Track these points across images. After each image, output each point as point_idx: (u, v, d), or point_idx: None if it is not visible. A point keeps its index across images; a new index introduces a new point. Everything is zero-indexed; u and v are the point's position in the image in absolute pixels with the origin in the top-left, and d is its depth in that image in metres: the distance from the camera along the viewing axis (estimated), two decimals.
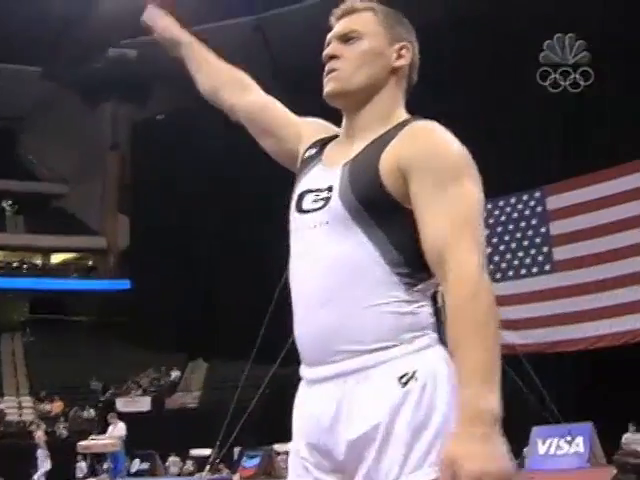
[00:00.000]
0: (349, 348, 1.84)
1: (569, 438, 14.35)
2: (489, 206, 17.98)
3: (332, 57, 2.01)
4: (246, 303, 25.79)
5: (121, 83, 36.08)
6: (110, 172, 40.49)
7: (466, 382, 1.66)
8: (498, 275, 17.99)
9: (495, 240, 18.13)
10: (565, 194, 17.18)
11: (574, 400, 15.84)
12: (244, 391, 18.93)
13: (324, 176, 1.96)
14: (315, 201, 1.94)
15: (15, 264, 40.02)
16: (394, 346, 1.82)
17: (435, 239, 1.79)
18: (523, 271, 17.83)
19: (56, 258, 42.61)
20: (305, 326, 1.92)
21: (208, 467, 18.59)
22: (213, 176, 28.32)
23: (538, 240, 17.70)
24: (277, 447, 16.54)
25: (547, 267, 17.48)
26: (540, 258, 17.65)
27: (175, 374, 31.06)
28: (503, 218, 18.06)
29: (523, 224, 17.83)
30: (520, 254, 17.92)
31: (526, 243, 17.87)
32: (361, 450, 1.82)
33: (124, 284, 37.23)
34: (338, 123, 2.12)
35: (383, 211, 1.85)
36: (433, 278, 1.86)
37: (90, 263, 42.56)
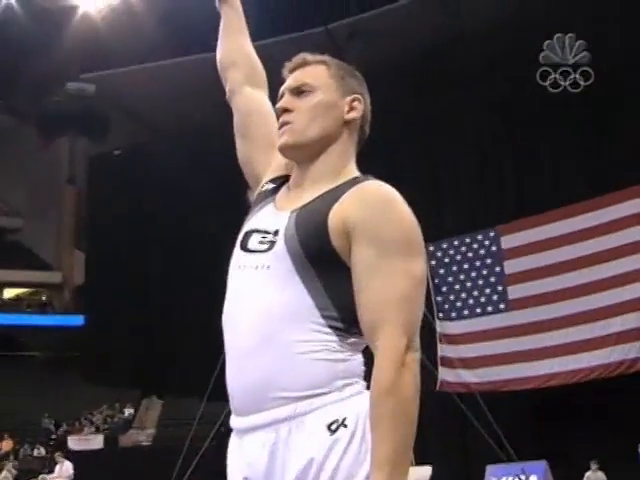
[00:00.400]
0: (281, 395, 1.83)
1: (523, 477, 14.41)
2: (444, 245, 18.12)
3: (285, 110, 2.01)
4: (201, 340, 25.60)
5: (79, 117, 35.96)
6: (66, 207, 40.22)
7: (377, 466, 1.70)
8: (453, 314, 18.09)
9: (450, 279, 18.24)
10: (519, 233, 17.36)
11: (531, 438, 15.89)
12: (199, 429, 18.73)
13: (273, 218, 1.96)
14: (261, 242, 1.93)
15: None
16: (326, 393, 1.82)
17: (369, 312, 1.80)
18: (478, 310, 17.92)
19: (9, 292, 42.03)
20: (236, 372, 1.91)
21: None
22: (169, 212, 28.23)
23: (493, 279, 17.82)
24: None
25: (502, 306, 17.60)
26: (495, 297, 17.77)
27: (129, 411, 30.66)
28: (458, 257, 18.17)
29: (478, 263, 17.95)
30: (475, 293, 18.02)
31: (481, 282, 17.98)
32: None
33: (78, 320, 36.78)
34: None
35: (325, 264, 1.85)
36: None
37: (44, 298, 42.04)
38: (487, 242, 17.83)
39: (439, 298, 18.11)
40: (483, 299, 17.92)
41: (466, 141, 19.55)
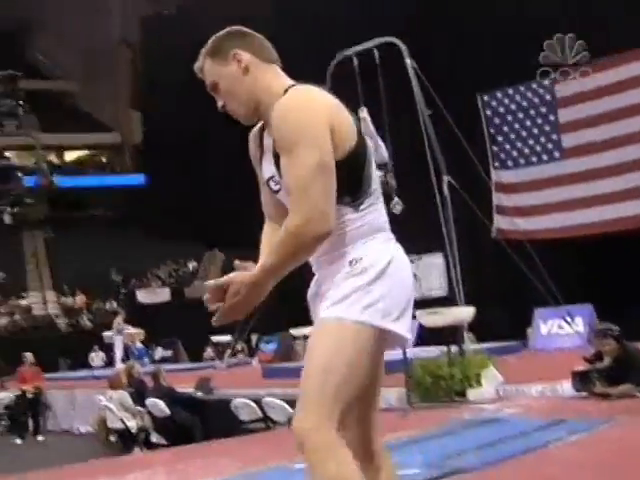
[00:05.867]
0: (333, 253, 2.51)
1: (569, 319, 14.95)
2: (499, 95, 18.07)
3: (222, 105, 2.54)
4: (256, 197, 26.07)
5: None
6: (121, 67, 40.39)
7: (268, 256, 2.37)
8: (509, 163, 18.23)
9: (506, 129, 18.27)
10: (574, 82, 17.21)
11: (577, 284, 16.17)
12: None
13: (268, 166, 2.55)
14: (276, 184, 2.55)
15: (31, 164, 40.33)
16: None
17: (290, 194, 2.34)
18: (533, 159, 18.01)
19: (70, 156, 42.87)
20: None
21: (228, 352, 19.21)
22: None
23: (547, 128, 17.80)
24: (294, 332, 16.95)
25: (556, 154, 17.66)
26: (550, 145, 17.80)
27: (192, 265, 31.70)
28: (513, 107, 18.11)
29: (532, 112, 17.90)
30: (530, 142, 18.06)
31: (536, 131, 17.98)
32: None
33: (139, 179, 37.64)
34: None
35: None
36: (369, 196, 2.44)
37: (104, 159, 42.85)
38: (541, 91, 17.73)
39: (495, 148, 18.23)
40: (538, 148, 17.98)
41: None
